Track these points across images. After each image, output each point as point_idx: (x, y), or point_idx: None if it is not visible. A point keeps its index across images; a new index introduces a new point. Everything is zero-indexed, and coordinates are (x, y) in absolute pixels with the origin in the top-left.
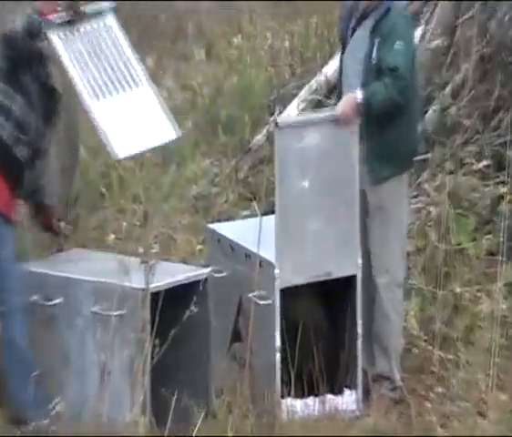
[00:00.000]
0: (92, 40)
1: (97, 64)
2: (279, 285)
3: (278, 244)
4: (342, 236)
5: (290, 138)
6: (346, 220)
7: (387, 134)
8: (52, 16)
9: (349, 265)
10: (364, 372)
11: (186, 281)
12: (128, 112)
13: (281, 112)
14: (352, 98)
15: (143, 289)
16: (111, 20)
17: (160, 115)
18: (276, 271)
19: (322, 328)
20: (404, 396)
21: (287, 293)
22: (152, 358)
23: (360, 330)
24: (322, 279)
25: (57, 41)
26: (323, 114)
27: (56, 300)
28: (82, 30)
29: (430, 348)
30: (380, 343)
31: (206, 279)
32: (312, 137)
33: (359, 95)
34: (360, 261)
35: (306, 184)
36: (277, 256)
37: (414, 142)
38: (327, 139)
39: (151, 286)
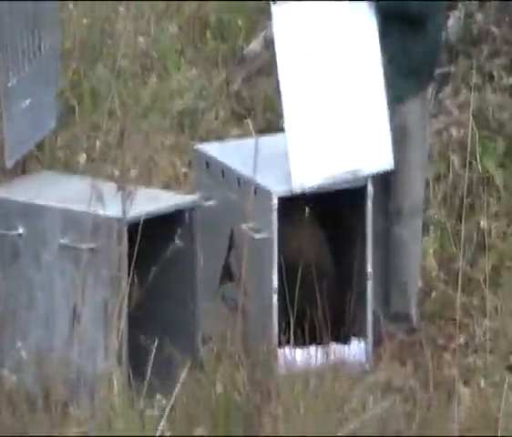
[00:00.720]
0: None
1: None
2: (276, 215)
3: (291, 142)
4: (367, 122)
5: (291, 15)
6: (371, 102)
7: (410, 47)
8: None
9: (378, 158)
10: (376, 318)
11: (169, 210)
12: None
13: None
14: None
15: (119, 219)
16: None
17: None
18: (274, 201)
19: (327, 265)
20: (421, 344)
21: (285, 223)
22: (130, 299)
23: (370, 268)
24: (351, 176)
25: None
26: None
27: (19, 230)
28: None
29: (451, 291)
30: (397, 279)
31: (193, 209)
32: (318, 10)
33: None
34: (392, 156)
35: (316, 65)
36: (292, 157)
37: (437, 55)
38: (337, 13)
39: (129, 215)
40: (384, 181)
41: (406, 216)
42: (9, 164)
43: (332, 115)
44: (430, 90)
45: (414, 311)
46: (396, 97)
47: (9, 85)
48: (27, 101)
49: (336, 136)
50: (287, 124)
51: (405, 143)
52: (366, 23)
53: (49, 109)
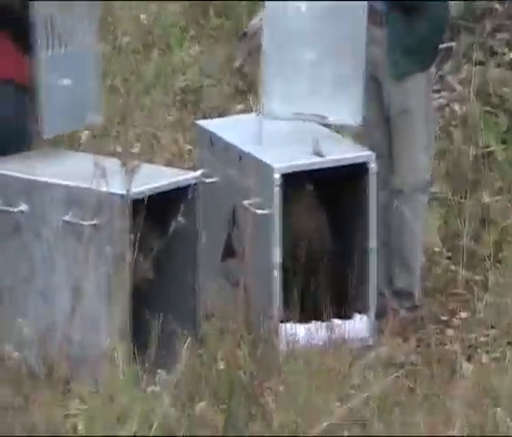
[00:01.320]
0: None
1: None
2: (278, 191)
3: (266, 71)
4: (342, 77)
5: None
6: (349, 61)
7: (414, 25)
8: None
9: (347, 113)
10: (380, 294)
11: (172, 187)
12: None
13: None
14: None
15: (122, 196)
16: None
17: None
18: (276, 176)
19: (329, 240)
20: (424, 320)
21: (288, 200)
22: (133, 276)
23: (373, 243)
24: (318, 120)
25: None
26: None
27: (21, 207)
28: None
29: (454, 267)
30: (401, 256)
31: (196, 185)
32: None
33: None
34: (361, 113)
35: (302, 6)
36: (264, 84)
37: (442, 34)
38: None
39: (132, 192)
40: (388, 158)
41: (408, 193)
42: (46, 135)
43: (311, 58)
44: (433, 69)
45: (417, 289)
46: (398, 75)
47: (44, 56)
48: (65, 81)
49: (311, 79)
50: (265, 54)
51: (407, 121)
52: None
53: (93, 101)
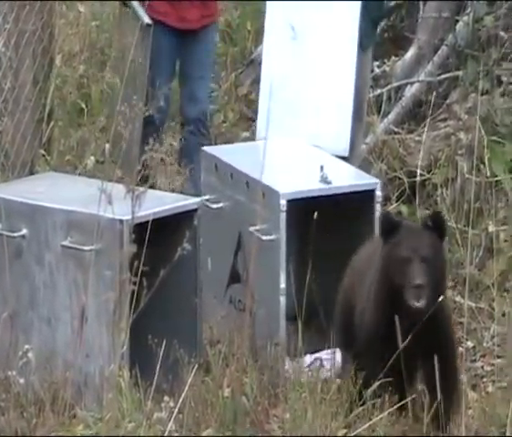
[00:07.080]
0: None
1: None
2: (284, 217)
3: (262, 100)
4: (334, 106)
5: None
6: (340, 91)
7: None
8: None
9: (338, 142)
10: None
11: (176, 211)
12: None
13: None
14: None
15: (123, 221)
16: None
17: None
18: (282, 202)
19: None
20: None
21: (294, 226)
22: (137, 300)
23: None
24: (316, 145)
25: None
26: None
27: (23, 231)
28: None
29: (459, 296)
30: None
31: (196, 211)
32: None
33: None
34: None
35: (297, 41)
36: (260, 111)
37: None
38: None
39: (134, 217)
40: None
41: None
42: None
43: (303, 88)
44: None
45: None
46: (366, 44)
47: None
48: None
49: (303, 108)
50: (262, 83)
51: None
52: (349, 19)
53: None
